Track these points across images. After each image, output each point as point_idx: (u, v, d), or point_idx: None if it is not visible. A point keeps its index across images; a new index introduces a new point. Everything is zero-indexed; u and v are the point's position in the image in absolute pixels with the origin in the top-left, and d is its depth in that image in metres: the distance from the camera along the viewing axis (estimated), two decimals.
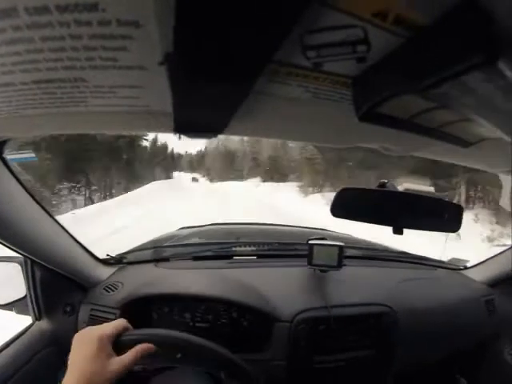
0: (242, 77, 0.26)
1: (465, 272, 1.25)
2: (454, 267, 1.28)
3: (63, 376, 0.44)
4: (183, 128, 0.38)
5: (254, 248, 1.24)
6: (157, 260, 1.12)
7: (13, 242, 0.66)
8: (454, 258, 1.35)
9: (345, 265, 0.98)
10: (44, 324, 0.90)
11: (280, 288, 0.99)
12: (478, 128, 0.35)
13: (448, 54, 0.20)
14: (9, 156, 0.56)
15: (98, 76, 0.26)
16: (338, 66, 0.26)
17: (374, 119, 0.31)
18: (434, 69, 0.22)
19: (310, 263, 0.97)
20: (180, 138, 0.40)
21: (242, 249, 1.22)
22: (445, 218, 0.65)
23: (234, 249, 1.21)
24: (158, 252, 1.21)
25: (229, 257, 1.15)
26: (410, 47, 0.23)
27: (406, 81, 0.24)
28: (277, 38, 0.21)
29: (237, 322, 0.94)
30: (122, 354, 0.48)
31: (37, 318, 0.89)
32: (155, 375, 0.75)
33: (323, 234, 1.19)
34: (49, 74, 0.25)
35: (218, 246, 1.22)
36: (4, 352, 0.77)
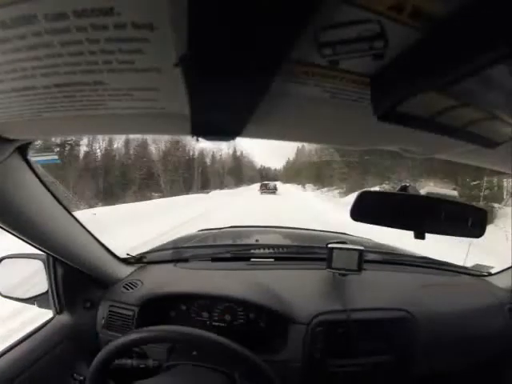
0: (258, 77, 0.25)
1: (489, 278, 1.19)
2: (478, 273, 1.22)
3: (80, 367, 0.46)
4: (200, 131, 0.38)
5: (272, 250, 1.24)
6: (176, 260, 1.14)
7: (36, 240, 0.68)
8: (477, 264, 1.29)
9: (365, 269, 0.96)
10: (64, 318, 0.93)
11: (298, 290, 0.98)
12: (505, 126, 0.33)
13: (469, 47, 0.19)
14: (33, 158, 0.58)
15: (116, 79, 0.26)
16: (355, 64, 0.26)
17: (394, 119, 0.30)
18: (454, 63, 0.20)
19: (329, 267, 0.96)
20: (197, 140, 0.40)
21: (261, 251, 1.22)
22: (468, 222, 0.62)
23: (252, 251, 1.21)
24: (177, 252, 1.24)
25: (247, 259, 1.16)
26: (429, 41, 0.22)
27: (426, 77, 0.23)
28: (292, 36, 0.20)
29: (253, 323, 0.94)
30: None
31: (57, 312, 0.93)
32: (167, 371, 0.75)
33: (343, 238, 1.17)
34: (68, 77, 0.26)
35: (236, 248, 1.23)
36: (24, 343, 0.81)
